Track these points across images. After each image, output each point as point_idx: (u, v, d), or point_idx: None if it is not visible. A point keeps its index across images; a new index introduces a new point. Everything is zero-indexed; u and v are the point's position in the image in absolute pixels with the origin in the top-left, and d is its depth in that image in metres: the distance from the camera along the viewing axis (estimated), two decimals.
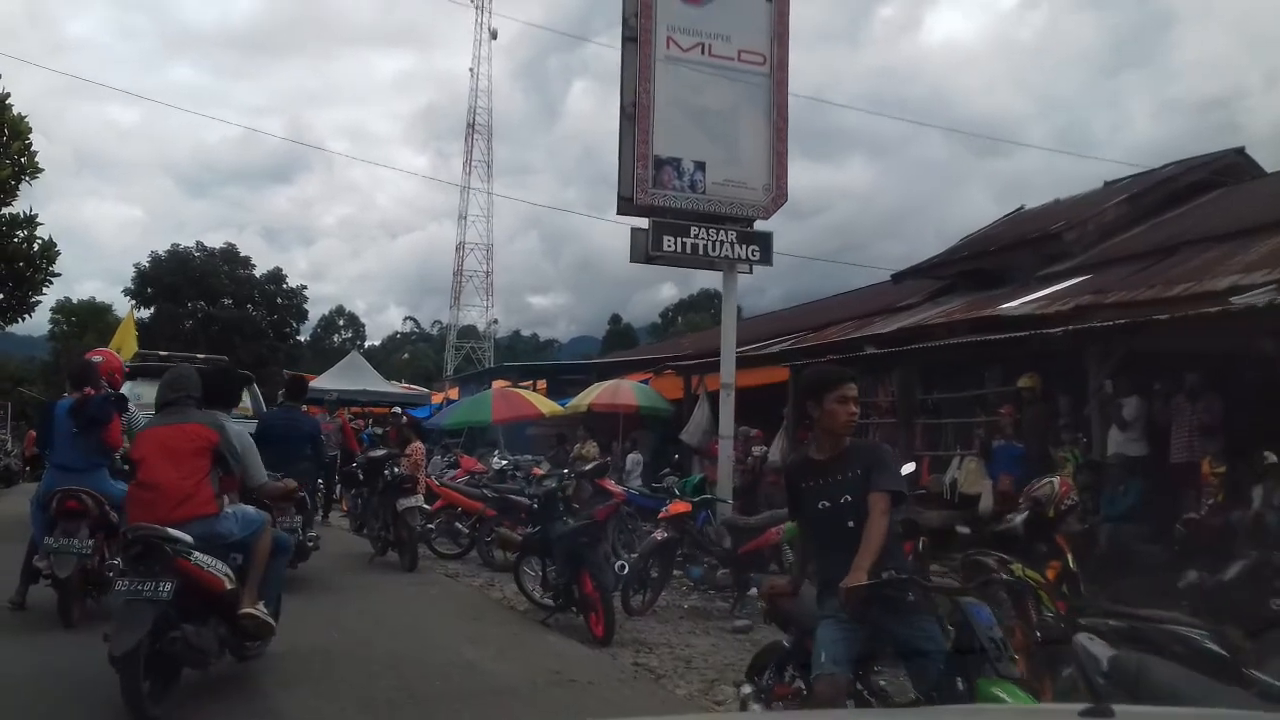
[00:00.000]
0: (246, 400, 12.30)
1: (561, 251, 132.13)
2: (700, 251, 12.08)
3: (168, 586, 4.83)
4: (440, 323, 71.28)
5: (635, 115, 12.00)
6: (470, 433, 20.50)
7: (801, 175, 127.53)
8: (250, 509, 5.67)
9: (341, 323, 72.23)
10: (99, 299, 51.15)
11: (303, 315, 45.94)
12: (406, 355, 63.02)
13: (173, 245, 42.69)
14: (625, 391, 18.69)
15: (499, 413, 16.43)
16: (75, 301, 49.64)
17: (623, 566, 7.69)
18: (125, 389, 8.38)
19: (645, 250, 12.16)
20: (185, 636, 4.91)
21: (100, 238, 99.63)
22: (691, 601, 9.09)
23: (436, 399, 29.05)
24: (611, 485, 11.30)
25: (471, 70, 58.78)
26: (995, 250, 19.12)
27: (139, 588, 4.82)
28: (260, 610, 5.34)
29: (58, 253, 15.55)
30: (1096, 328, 10.20)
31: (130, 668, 4.64)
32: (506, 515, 11.01)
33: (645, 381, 20.12)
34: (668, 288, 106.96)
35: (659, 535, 8.63)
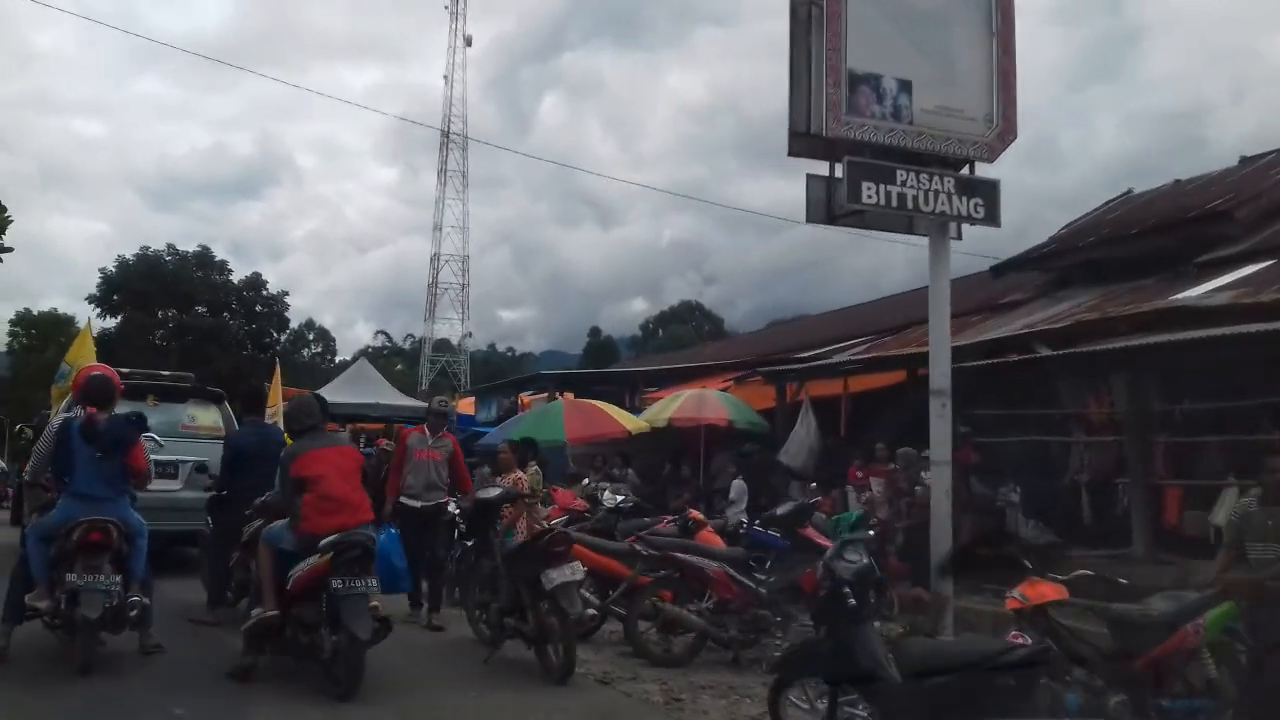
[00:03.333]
0: (217, 419, 11.28)
1: (530, 265, 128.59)
2: (908, 204, 8.64)
3: (373, 582, 6.02)
4: (413, 337, 69.35)
5: (818, 16, 8.56)
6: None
7: (768, 189, 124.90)
8: None
9: (311, 336, 69.32)
10: (63, 312, 47.35)
11: (284, 324, 41.80)
12: (400, 367, 59.28)
13: (142, 248, 38.56)
14: (712, 403, 15.19)
15: (573, 430, 12.96)
16: (36, 313, 46.52)
17: None
18: None
19: (833, 204, 8.72)
20: (389, 621, 6.15)
21: (65, 252, 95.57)
22: None
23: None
24: (817, 536, 7.77)
25: (446, 78, 57.17)
26: (1137, 234, 16.00)
27: (355, 584, 5.85)
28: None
29: (9, 220, 12.90)
30: None
31: (363, 649, 5.73)
32: (664, 582, 7.44)
33: (725, 390, 16.74)
34: (639, 302, 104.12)
35: (1017, 640, 5.08)
